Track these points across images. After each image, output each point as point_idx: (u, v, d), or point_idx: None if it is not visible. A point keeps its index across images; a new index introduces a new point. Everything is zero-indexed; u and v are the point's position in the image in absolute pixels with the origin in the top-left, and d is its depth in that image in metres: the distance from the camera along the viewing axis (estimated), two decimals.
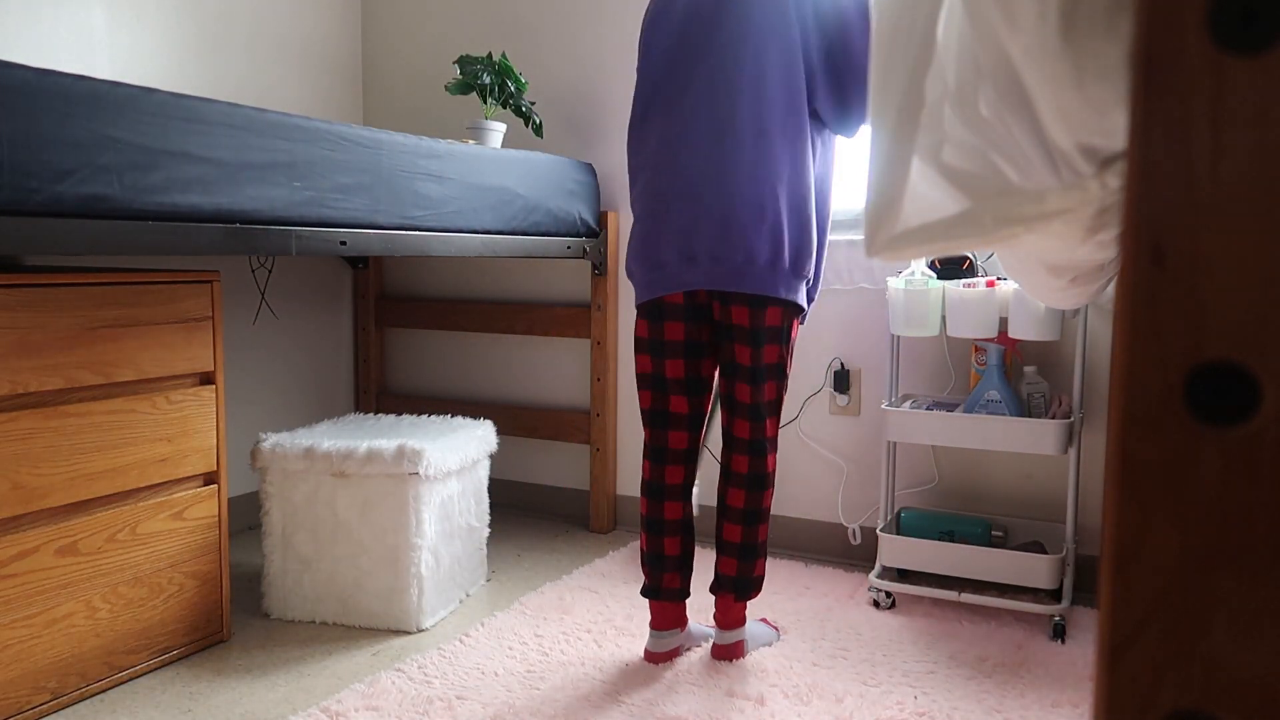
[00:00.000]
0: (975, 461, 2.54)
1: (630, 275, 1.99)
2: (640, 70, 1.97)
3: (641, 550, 2.03)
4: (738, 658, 2.01)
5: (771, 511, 2.02)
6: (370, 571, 2.15)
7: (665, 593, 1.99)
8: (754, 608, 2.28)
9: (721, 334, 1.95)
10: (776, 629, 2.15)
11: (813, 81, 1.87)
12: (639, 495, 2.09)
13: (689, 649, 2.07)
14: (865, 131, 1.96)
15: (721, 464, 2.01)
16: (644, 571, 2.02)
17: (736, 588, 1.97)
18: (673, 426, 1.99)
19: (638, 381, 2.01)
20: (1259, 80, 0.34)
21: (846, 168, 2.76)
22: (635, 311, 1.99)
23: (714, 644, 2.02)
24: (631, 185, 1.99)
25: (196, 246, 1.70)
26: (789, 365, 1.97)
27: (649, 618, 2.06)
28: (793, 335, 1.96)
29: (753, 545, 1.97)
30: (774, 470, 1.99)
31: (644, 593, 2.02)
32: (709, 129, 1.85)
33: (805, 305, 1.95)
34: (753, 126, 1.83)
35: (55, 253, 1.50)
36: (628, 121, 2.03)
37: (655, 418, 2.00)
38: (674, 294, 1.92)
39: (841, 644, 2.10)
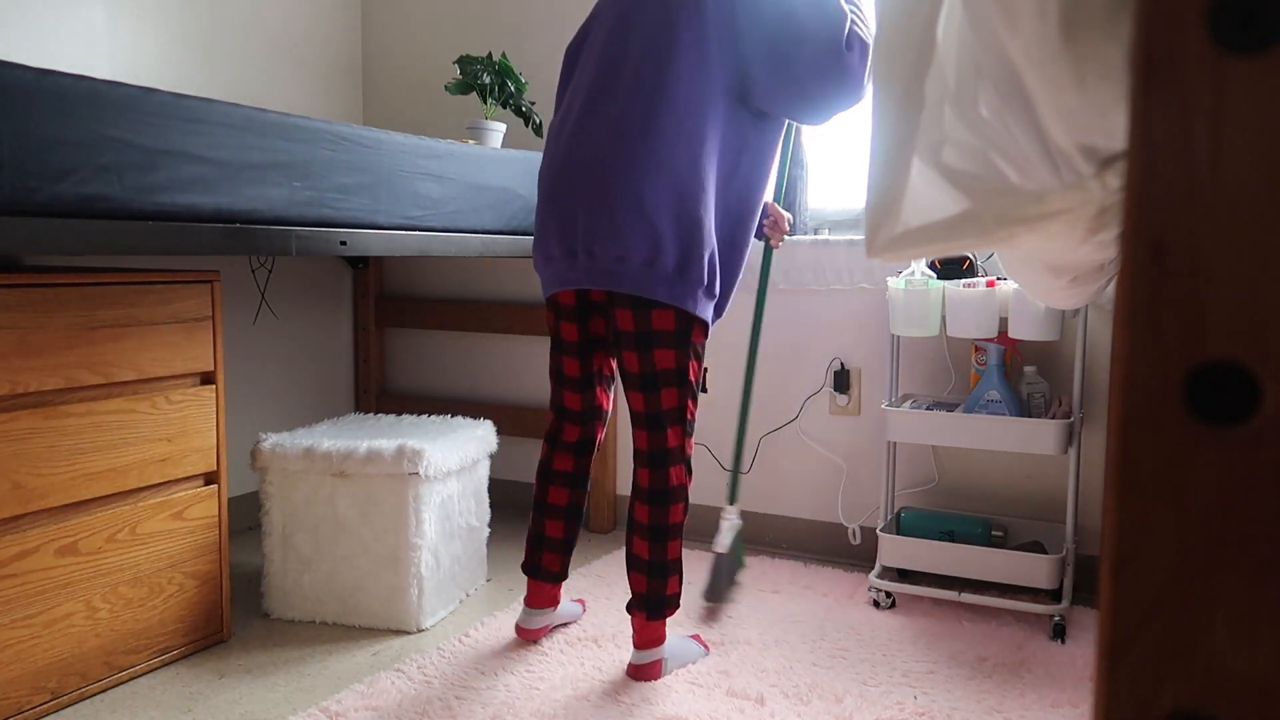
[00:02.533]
0: (975, 461, 2.54)
1: (536, 269, 1.99)
2: (568, 65, 1.99)
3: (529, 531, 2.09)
4: (652, 679, 1.91)
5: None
6: (370, 571, 2.15)
7: (543, 573, 2.06)
8: (754, 618, 2.27)
9: (614, 338, 1.91)
10: (706, 647, 2.04)
11: (753, 79, 1.79)
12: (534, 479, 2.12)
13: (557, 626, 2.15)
14: (837, 118, 1.87)
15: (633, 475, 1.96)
16: (526, 549, 2.09)
17: (647, 606, 1.89)
18: (568, 419, 2.05)
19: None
20: (1259, 80, 0.34)
21: (846, 168, 2.76)
22: None
23: (629, 664, 1.94)
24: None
25: (196, 246, 1.70)
26: (693, 374, 1.87)
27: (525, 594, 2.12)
28: (694, 342, 1.85)
29: (662, 563, 1.87)
30: (681, 484, 1.88)
31: (524, 569, 2.09)
32: (604, 125, 1.80)
33: (697, 312, 1.82)
34: (646, 125, 1.76)
35: (55, 253, 1.50)
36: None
37: (554, 409, 2.07)
38: (566, 292, 1.92)
39: (841, 644, 2.10)
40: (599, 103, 1.82)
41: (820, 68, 1.76)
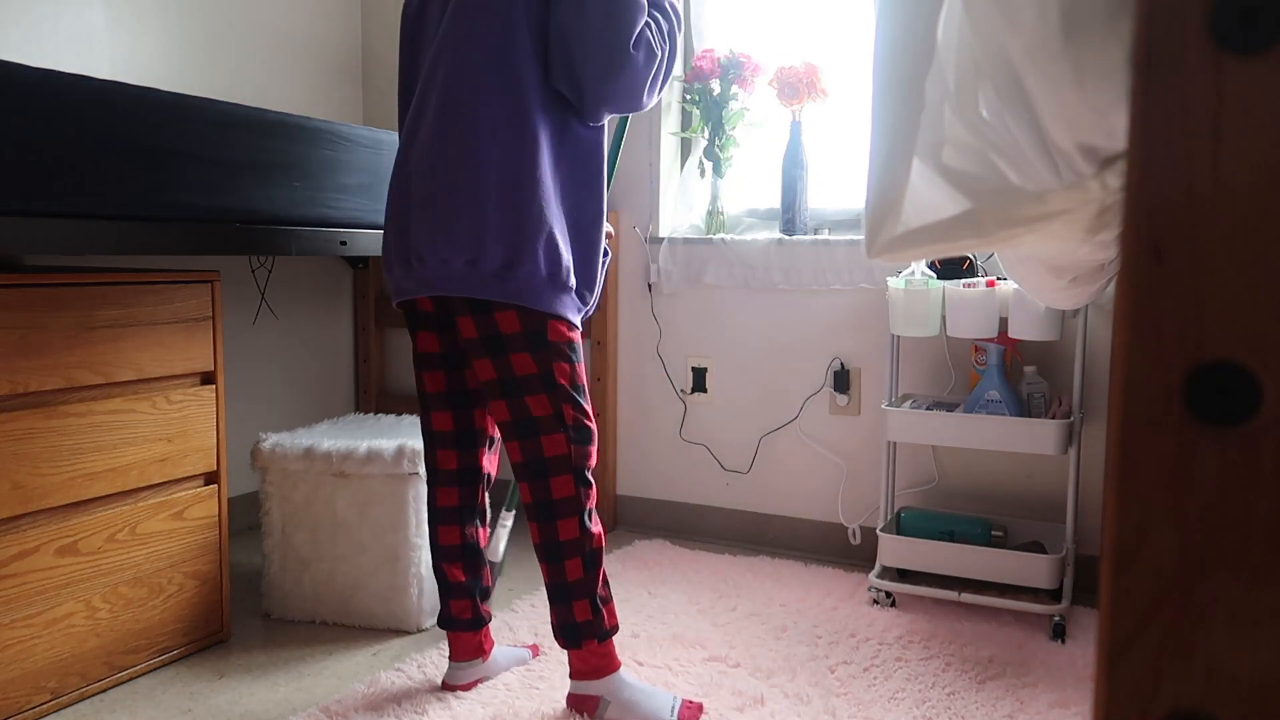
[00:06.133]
0: (975, 461, 2.54)
1: None
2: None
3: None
4: (586, 713, 1.73)
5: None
6: (370, 571, 2.15)
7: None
8: (754, 619, 2.23)
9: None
10: (691, 710, 1.74)
11: (551, 60, 1.65)
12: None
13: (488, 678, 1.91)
14: (627, 111, 1.70)
15: None
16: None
17: (561, 634, 1.73)
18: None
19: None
20: (1259, 80, 0.34)
21: (846, 168, 2.76)
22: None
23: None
24: None
25: (196, 246, 1.70)
26: (564, 377, 1.70)
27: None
28: (552, 342, 1.70)
29: (561, 585, 1.70)
30: (567, 496, 1.70)
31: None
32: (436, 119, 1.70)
33: (542, 309, 1.66)
34: (468, 115, 1.65)
35: (55, 253, 1.50)
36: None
37: None
38: (422, 299, 1.81)
39: (841, 644, 2.10)
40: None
41: (598, 60, 1.60)
